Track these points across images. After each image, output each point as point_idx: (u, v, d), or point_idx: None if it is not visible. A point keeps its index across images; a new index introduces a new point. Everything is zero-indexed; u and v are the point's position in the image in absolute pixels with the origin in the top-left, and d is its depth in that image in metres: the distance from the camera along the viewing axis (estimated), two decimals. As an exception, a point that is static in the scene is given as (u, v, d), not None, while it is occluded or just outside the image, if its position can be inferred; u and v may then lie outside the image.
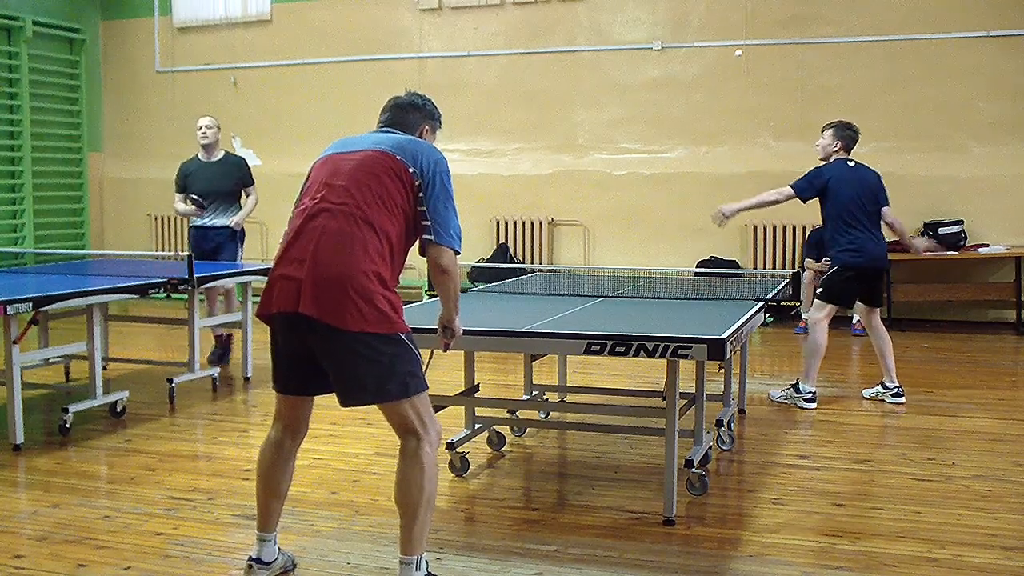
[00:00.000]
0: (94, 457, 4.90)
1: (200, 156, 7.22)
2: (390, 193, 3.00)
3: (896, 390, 5.97)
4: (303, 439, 3.23)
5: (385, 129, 3.25)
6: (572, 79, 10.07)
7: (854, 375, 6.98)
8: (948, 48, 8.98)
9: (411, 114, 3.28)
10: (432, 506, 3.05)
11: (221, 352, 7.20)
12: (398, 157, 3.03)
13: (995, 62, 8.88)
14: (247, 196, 7.27)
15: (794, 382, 5.95)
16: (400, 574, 3.06)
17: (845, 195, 5.85)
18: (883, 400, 5.99)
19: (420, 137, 3.27)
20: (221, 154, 7.22)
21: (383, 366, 2.93)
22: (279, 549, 3.30)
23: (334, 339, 2.90)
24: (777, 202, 5.95)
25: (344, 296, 2.86)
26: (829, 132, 6.05)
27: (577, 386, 5.83)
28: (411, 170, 3.02)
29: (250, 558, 3.23)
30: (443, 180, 3.07)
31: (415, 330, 3.80)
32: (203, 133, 7.11)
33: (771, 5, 9.43)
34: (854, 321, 8.80)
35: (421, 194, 3.02)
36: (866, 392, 6.10)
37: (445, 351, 3.46)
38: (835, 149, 6.00)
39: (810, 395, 5.86)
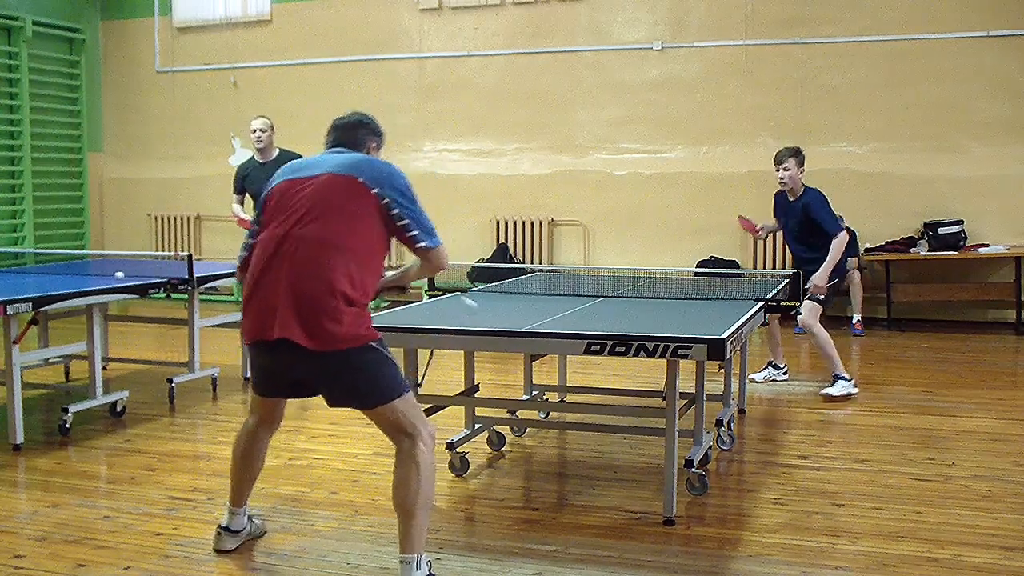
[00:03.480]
0: (94, 457, 4.90)
1: (256, 157, 7.20)
2: (356, 214, 3.08)
3: (786, 370, 6.65)
4: (278, 428, 3.50)
5: (336, 149, 3.32)
6: (572, 79, 10.07)
7: (853, 375, 6.97)
8: (948, 48, 8.98)
9: (358, 131, 3.37)
10: (430, 505, 3.12)
11: None
12: (360, 179, 3.11)
13: (995, 62, 8.88)
14: None
15: (833, 376, 6.12)
16: (401, 574, 3.09)
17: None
18: (775, 380, 6.57)
19: (368, 153, 3.35)
20: (276, 153, 7.19)
21: (367, 373, 3.07)
22: (250, 518, 3.59)
23: (315, 360, 3.03)
24: (845, 244, 6.04)
25: (317, 319, 2.98)
26: (793, 161, 6.11)
27: (577, 386, 5.83)
28: (374, 191, 3.10)
29: (219, 526, 3.53)
30: (405, 189, 3.17)
31: (420, 330, 3.86)
32: (257, 137, 7.07)
33: (771, 5, 9.43)
34: (854, 321, 8.81)
35: (394, 211, 3.11)
36: (758, 376, 6.57)
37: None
38: (801, 175, 6.16)
39: (852, 380, 6.15)
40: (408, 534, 3.06)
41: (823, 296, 6.10)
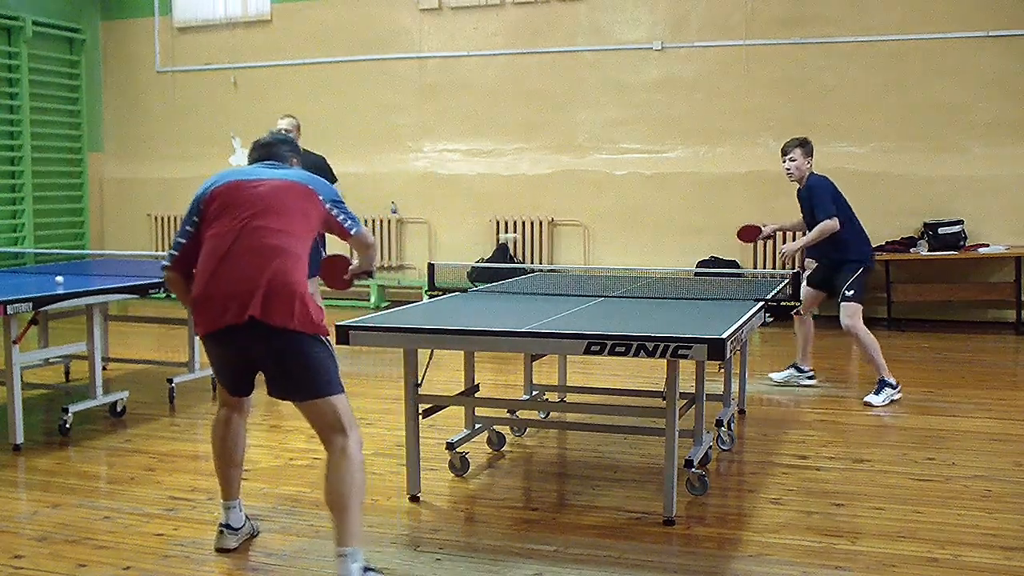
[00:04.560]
0: (94, 457, 4.91)
1: None
2: (308, 217, 3.44)
3: (811, 373, 6.44)
4: (248, 412, 3.64)
5: (269, 163, 3.63)
6: (572, 79, 10.07)
7: (854, 375, 6.98)
8: (948, 48, 8.98)
9: (281, 148, 3.72)
10: (363, 498, 3.24)
11: None
12: (312, 188, 3.48)
13: (995, 62, 8.88)
14: None
15: (879, 381, 5.92)
16: (339, 566, 3.16)
17: (844, 201, 6.09)
18: (797, 383, 6.40)
19: (291, 166, 3.71)
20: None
21: (319, 363, 3.24)
22: (246, 516, 3.66)
23: (275, 340, 3.19)
24: (832, 231, 5.93)
25: (289, 303, 3.19)
26: (799, 151, 6.05)
27: (577, 386, 5.82)
28: (321, 198, 3.49)
29: (220, 524, 3.58)
30: (339, 197, 3.60)
31: (420, 330, 3.91)
32: None
33: (771, 5, 9.43)
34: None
35: (334, 211, 3.54)
36: (776, 376, 6.50)
37: (348, 287, 3.92)
38: (808, 166, 6.10)
39: (898, 387, 5.96)
40: (346, 528, 3.16)
41: (857, 293, 5.94)
